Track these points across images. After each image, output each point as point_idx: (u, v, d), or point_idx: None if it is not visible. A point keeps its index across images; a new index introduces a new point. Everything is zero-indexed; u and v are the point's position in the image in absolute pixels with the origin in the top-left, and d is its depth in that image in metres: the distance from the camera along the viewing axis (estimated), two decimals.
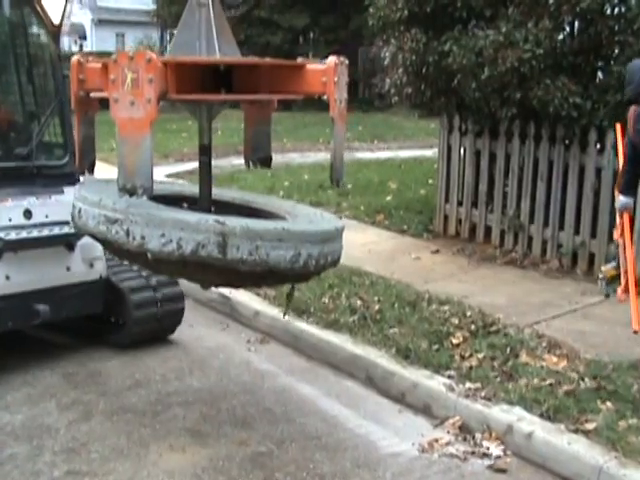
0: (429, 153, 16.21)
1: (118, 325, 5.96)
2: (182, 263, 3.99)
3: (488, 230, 8.73)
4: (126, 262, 5.55)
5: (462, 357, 5.55)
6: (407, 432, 4.87)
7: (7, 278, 5.27)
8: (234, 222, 3.98)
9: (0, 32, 6.09)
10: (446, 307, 6.52)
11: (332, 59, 4.26)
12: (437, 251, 8.58)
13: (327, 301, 6.68)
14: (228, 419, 4.93)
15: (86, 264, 5.68)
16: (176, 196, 4.94)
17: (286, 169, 13.02)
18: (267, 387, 5.47)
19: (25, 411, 4.93)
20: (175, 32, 4.63)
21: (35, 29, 6.04)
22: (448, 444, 4.69)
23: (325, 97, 4.27)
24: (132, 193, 3.96)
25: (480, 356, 5.52)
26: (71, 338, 6.19)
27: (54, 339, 6.16)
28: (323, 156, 15.03)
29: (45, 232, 5.40)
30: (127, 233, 3.99)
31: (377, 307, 6.50)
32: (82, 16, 43.34)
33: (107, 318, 5.98)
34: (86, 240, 5.32)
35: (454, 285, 7.29)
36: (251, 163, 5.27)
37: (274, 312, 6.49)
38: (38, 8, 5.86)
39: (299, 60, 4.46)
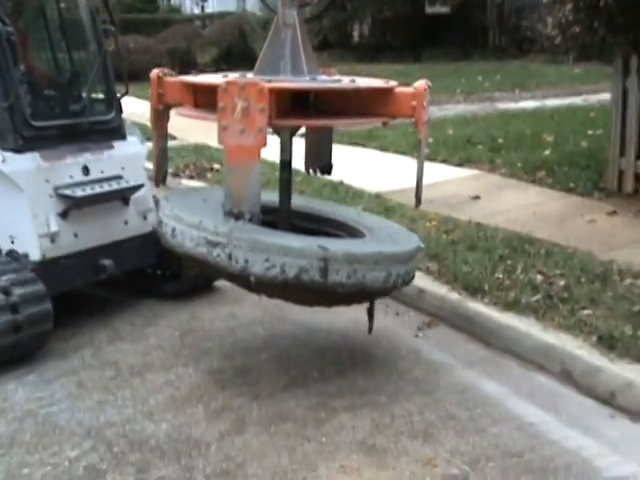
0: (578, 101, 14.97)
1: (169, 277, 6.03)
2: (283, 286, 4.11)
3: None
4: None
5: None
6: (628, 446, 3.94)
7: (75, 236, 5.32)
8: (335, 247, 4.14)
9: None
10: None
11: (422, 83, 4.33)
12: (614, 212, 7.51)
13: (501, 276, 5.75)
14: (406, 429, 4.10)
15: (140, 217, 5.77)
16: None
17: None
18: (445, 385, 4.62)
19: (170, 419, 4.22)
20: (262, 50, 4.62)
21: None
22: None
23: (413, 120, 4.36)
24: (238, 218, 4.12)
25: None
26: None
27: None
28: (463, 108, 13.99)
29: (105, 187, 5.43)
30: (229, 257, 4.07)
31: (562, 283, 5.55)
32: None
33: (160, 271, 6.05)
34: (138, 193, 5.65)
35: None
36: (311, 171, 5.46)
37: (442, 291, 5.64)
38: None
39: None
